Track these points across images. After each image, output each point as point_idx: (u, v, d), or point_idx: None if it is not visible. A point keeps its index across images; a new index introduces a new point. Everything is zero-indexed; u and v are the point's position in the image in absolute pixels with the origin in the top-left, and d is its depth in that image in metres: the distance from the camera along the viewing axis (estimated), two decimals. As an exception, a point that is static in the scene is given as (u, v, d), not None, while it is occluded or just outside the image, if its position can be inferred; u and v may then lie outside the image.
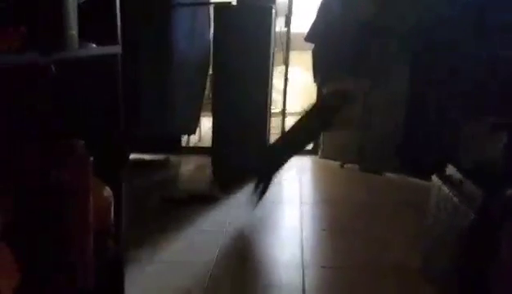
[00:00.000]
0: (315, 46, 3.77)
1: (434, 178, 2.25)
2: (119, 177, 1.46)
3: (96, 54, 1.36)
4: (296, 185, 3.65)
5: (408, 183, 3.64)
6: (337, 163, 4.04)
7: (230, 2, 3.73)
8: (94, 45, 1.31)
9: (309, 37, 3.75)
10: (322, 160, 4.17)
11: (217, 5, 3.78)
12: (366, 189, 3.55)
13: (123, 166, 1.61)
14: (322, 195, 3.59)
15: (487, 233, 1.78)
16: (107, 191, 1.35)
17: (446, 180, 2.16)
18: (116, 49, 1.42)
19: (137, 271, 2.33)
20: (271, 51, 3.67)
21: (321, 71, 3.78)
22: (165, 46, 3.79)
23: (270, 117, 3.92)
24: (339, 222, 3.04)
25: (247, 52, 3.52)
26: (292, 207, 3.26)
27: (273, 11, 3.62)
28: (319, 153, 4.20)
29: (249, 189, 3.38)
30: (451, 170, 2.16)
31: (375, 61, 3.57)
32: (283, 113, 4.30)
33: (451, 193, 2.04)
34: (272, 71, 3.85)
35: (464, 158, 2.48)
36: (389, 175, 3.81)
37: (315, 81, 3.93)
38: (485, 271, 1.74)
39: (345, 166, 4.00)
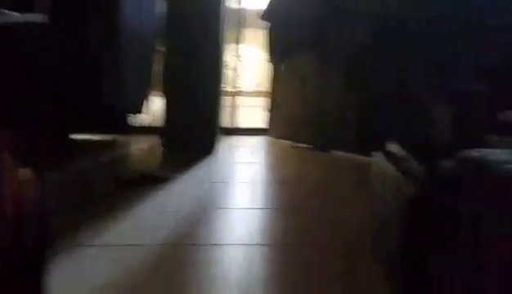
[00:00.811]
0: (271, 24, 3.72)
1: (376, 154, 2.25)
2: (43, 158, 1.38)
3: (15, 22, 1.26)
4: (248, 166, 3.62)
5: (361, 161, 3.67)
6: (289, 142, 4.03)
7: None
8: (15, 13, 1.21)
9: (266, 16, 3.69)
10: (274, 139, 4.15)
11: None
12: (319, 168, 3.56)
13: (60, 146, 1.52)
14: (274, 175, 3.57)
15: (428, 210, 1.78)
16: (26, 174, 1.26)
17: (389, 156, 2.16)
18: (36, 18, 1.31)
19: (75, 256, 2.22)
20: (221, 29, 3.59)
21: (277, 50, 3.74)
22: (111, 19, 3.60)
23: (221, 95, 3.85)
24: (291, 201, 3.03)
25: (196, 30, 3.43)
26: (244, 187, 3.23)
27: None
28: (270, 132, 4.18)
29: (200, 169, 3.32)
30: (393, 146, 2.16)
31: (333, 40, 3.55)
32: (234, 91, 4.25)
33: (392, 170, 2.04)
34: (223, 49, 3.77)
35: (409, 132, 2.51)
36: (338, 153, 3.84)
37: (270, 60, 3.88)
38: (427, 248, 1.75)
39: (297, 145, 4.00)
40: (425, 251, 1.75)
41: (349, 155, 3.74)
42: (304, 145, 3.97)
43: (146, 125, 4.39)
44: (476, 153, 1.49)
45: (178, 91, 3.60)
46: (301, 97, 3.74)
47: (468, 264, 1.50)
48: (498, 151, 1.50)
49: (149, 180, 3.21)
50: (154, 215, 2.73)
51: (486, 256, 1.40)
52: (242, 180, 3.35)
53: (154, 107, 4.56)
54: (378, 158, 2.23)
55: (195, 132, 3.62)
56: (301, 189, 3.21)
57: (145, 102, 3.99)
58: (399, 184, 1.94)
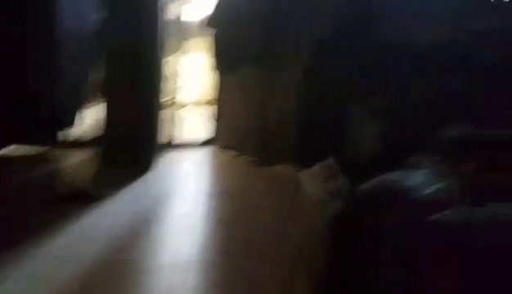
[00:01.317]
0: (217, 31, 3.64)
1: (310, 171, 2.23)
2: None
3: None
4: (189, 179, 3.53)
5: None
6: (234, 153, 3.96)
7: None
8: None
9: (211, 22, 3.60)
10: (220, 150, 4.07)
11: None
12: (262, 181, 3.52)
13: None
14: (218, 187, 3.50)
15: (353, 227, 1.77)
16: None
17: (323, 172, 2.15)
18: None
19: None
20: (159, 41, 3.50)
21: (222, 57, 3.66)
22: (46, 24, 3.41)
23: (162, 108, 3.75)
24: (234, 214, 2.98)
25: (135, 41, 3.34)
26: (187, 200, 3.14)
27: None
28: (216, 142, 4.09)
29: (138, 184, 3.21)
30: (327, 162, 2.15)
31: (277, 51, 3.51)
32: (175, 104, 4.15)
33: (321, 187, 2.02)
34: (164, 60, 3.68)
35: (345, 148, 2.50)
36: (283, 166, 3.80)
37: (216, 68, 3.79)
38: (350, 264, 1.73)
39: (242, 156, 3.94)
40: (349, 269, 1.74)
41: (296, 167, 3.72)
42: (249, 157, 3.93)
43: (82, 138, 4.19)
44: (396, 175, 1.50)
45: (116, 103, 3.48)
46: (246, 107, 3.70)
47: (389, 281, 1.50)
48: (418, 173, 1.51)
49: (83, 197, 3.06)
50: (87, 231, 2.61)
51: (405, 273, 1.41)
52: (182, 195, 3.26)
53: (91, 119, 4.38)
54: (311, 174, 2.21)
55: (134, 146, 3.50)
56: (244, 201, 3.17)
57: (79, 114, 3.81)
58: (326, 202, 1.93)
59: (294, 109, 3.51)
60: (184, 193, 3.29)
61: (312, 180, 2.15)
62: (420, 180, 1.53)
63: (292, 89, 3.48)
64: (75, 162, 3.77)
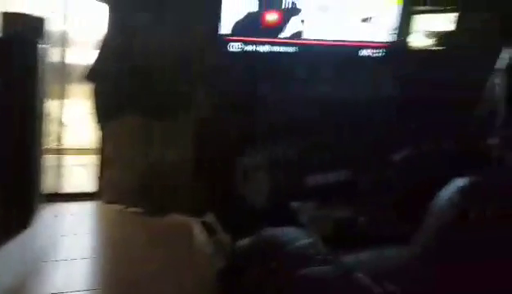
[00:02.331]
0: (96, 84, 3.55)
1: (196, 224, 2.22)
2: None
3: None
4: (72, 238, 3.31)
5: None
6: (121, 207, 3.79)
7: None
8: None
9: (91, 76, 3.52)
10: (105, 204, 3.87)
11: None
12: (152, 234, 3.40)
13: None
14: (102, 246, 3.32)
15: (234, 282, 1.76)
16: None
17: (205, 226, 2.14)
18: None
19: None
20: (39, 87, 3.31)
21: (103, 110, 3.57)
22: None
23: (42, 156, 3.50)
24: (116, 276, 2.82)
25: (14, 84, 3.12)
26: (66, 265, 2.92)
27: (40, 46, 3.27)
28: (100, 196, 3.90)
29: (13, 245, 2.93)
30: (209, 216, 2.15)
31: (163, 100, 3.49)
32: (57, 151, 3.91)
33: (206, 241, 2.01)
34: (45, 106, 3.47)
35: (232, 199, 2.53)
36: (173, 216, 3.72)
37: (96, 121, 3.67)
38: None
39: (129, 209, 3.78)
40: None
41: (184, 218, 3.66)
42: (138, 209, 3.79)
43: None
44: (274, 230, 1.54)
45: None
46: (131, 158, 3.61)
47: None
48: (294, 227, 1.57)
49: None
50: None
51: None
52: (63, 257, 3.03)
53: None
54: (195, 227, 2.20)
55: (11, 201, 3.20)
56: (131, 258, 3.02)
57: None
58: (210, 256, 1.92)
59: (182, 159, 3.51)
60: (64, 255, 3.06)
61: (202, 233, 2.14)
62: (296, 233, 1.58)
63: (180, 139, 3.48)
64: None
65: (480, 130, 3.17)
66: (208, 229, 2.10)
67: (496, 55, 3.12)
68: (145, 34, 3.41)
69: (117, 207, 3.82)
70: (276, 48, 3.34)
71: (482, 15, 3.48)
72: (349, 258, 1.68)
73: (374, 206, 2.46)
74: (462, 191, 0.80)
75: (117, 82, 3.47)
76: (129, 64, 3.44)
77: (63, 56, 3.84)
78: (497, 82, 3.09)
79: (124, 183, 3.77)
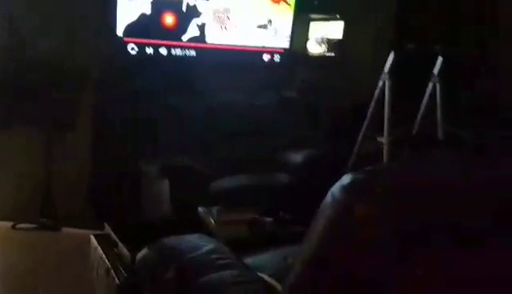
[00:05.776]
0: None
1: (92, 238, 2.09)
2: None
3: None
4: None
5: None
6: (9, 224, 3.47)
7: None
8: None
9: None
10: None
11: None
12: (46, 251, 3.15)
13: None
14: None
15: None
16: None
17: (103, 239, 2.03)
18: None
19: None
20: None
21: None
22: None
23: None
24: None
25: None
26: None
27: None
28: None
29: None
30: (108, 228, 2.04)
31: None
32: None
33: (104, 255, 1.91)
34: None
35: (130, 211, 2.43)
36: (71, 230, 3.49)
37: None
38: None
39: (19, 226, 3.48)
40: None
41: (84, 231, 3.45)
42: (30, 226, 3.51)
43: None
44: (171, 239, 1.49)
45: None
46: (21, 173, 3.34)
47: None
48: (192, 235, 1.53)
49: None
50: None
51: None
52: None
53: None
54: (92, 240, 2.07)
55: None
56: (22, 278, 2.78)
57: None
58: (108, 270, 1.82)
59: (78, 171, 3.32)
60: None
61: (99, 247, 2.02)
62: (198, 240, 1.54)
63: (74, 148, 3.29)
64: None
65: (370, 130, 3.40)
66: (107, 242, 1.99)
67: (384, 60, 3.36)
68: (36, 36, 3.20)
69: (6, 224, 3.51)
70: (177, 51, 3.28)
71: (372, 22, 3.72)
72: (253, 260, 1.68)
73: (277, 207, 2.50)
74: (344, 187, 0.82)
75: (4, 91, 3.21)
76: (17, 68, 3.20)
77: None
78: (383, 84, 3.33)
79: (14, 198, 3.48)
